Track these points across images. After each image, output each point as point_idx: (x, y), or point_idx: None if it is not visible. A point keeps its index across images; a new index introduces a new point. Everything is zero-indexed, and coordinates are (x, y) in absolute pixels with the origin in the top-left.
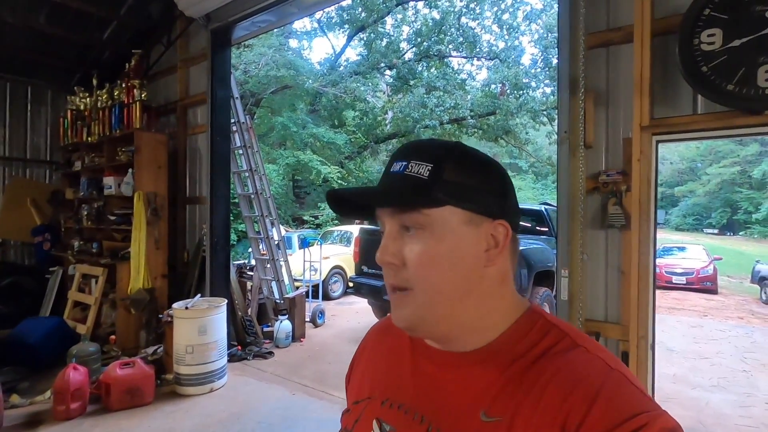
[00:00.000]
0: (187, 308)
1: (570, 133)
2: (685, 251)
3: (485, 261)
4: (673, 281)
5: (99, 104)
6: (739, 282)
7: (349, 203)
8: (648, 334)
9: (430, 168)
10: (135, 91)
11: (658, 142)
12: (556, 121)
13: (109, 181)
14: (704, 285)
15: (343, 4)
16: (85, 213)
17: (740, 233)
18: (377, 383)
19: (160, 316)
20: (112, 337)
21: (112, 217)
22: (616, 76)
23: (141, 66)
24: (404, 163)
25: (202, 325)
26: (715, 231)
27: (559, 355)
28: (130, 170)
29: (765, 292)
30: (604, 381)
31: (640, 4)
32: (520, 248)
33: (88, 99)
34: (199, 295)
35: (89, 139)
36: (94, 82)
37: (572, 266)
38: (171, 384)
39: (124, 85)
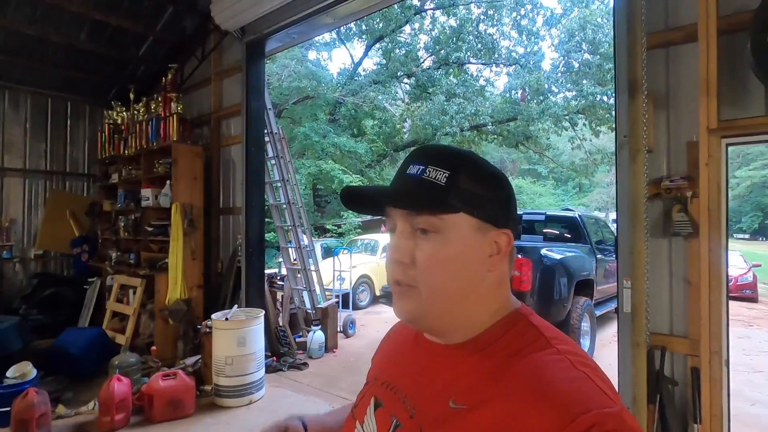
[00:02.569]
0: (227, 319)
1: (630, 137)
2: None
3: (488, 266)
4: None
5: (136, 118)
6: None
7: (362, 200)
8: (722, 350)
9: (447, 175)
10: (172, 104)
11: (728, 145)
12: (579, 125)
13: (146, 192)
14: (744, 293)
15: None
16: (122, 224)
17: None
18: (385, 367)
19: (198, 326)
20: (153, 348)
21: (149, 228)
22: (676, 78)
23: (176, 80)
24: (422, 167)
25: (241, 336)
26: (746, 236)
27: (530, 355)
28: (168, 182)
29: None
30: (565, 381)
31: (705, 2)
32: (560, 256)
33: (125, 113)
34: (236, 306)
35: (126, 152)
36: (131, 96)
37: (636, 276)
38: (210, 396)
39: (160, 99)
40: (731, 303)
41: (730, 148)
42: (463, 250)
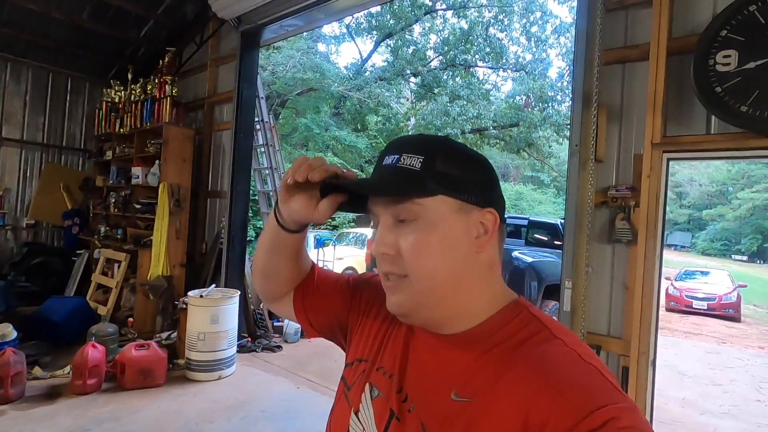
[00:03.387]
0: (201, 296)
1: (581, 147)
2: (708, 276)
3: (476, 247)
4: (694, 306)
5: (132, 97)
6: (767, 312)
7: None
8: (649, 351)
9: (421, 160)
10: (167, 86)
11: (669, 159)
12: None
13: (137, 171)
14: (726, 312)
15: (372, 10)
16: (113, 200)
17: None
18: (379, 349)
19: (176, 302)
20: (130, 319)
21: (138, 206)
22: (630, 93)
23: (173, 63)
24: (396, 156)
25: (214, 313)
26: (744, 258)
27: (536, 346)
28: (157, 162)
29: None
30: (576, 373)
31: (658, 22)
32: (530, 260)
33: (122, 92)
34: (214, 285)
35: (121, 130)
36: (129, 76)
37: (576, 278)
38: (182, 369)
39: (156, 81)
40: (711, 320)
41: (673, 164)
42: (447, 232)
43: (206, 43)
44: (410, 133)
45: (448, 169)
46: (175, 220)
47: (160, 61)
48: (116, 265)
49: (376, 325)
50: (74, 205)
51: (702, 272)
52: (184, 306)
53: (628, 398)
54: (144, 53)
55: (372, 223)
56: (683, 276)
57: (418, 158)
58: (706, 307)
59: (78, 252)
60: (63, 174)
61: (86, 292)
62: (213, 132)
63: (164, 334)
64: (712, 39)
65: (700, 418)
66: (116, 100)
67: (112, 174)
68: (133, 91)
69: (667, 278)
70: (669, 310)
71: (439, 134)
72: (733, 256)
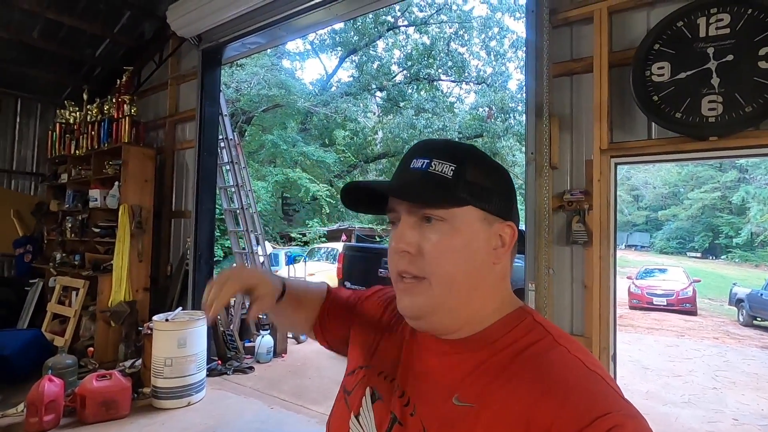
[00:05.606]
0: (167, 320)
1: (536, 155)
2: (666, 273)
3: (494, 258)
4: (654, 302)
5: (88, 118)
6: (719, 304)
7: (363, 195)
8: (609, 346)
9: (453, 168)
10: (125, 106)
11: (616, 164)
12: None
13: (95, 193)
14: (684, 306)
15: (336, 27)
16: (69, 225)
17: (722, 257)
18: (379, 354)
19: (140, 328)
20: (90, 349)
21: (96, 230)
22: (579, 103)
23: (132, 82)
24: (426, 161)
25: (182, 337)
26: (698, 254)
27: (539, 352)
28: (116, 183)
29: (742, 314)
30: (579, 381)
31: (599, 38)
32: None
33: (77, 113)
34: (180, 308)
35: (77, 152)
36: (85, 96)
37: (538, 280)
38: (148, 398)
39: (114, 101)
40: (671, 315)
41: (627, 169)
42: (471, 239)
43: (166, 61)
44: (435, 138)
45: (477, 179)
46: (137, 242)
47: (118, 81)
48: (74, 292)
49: (376, 333)
50: (26, 231)
51: (660, 270)
52: (149, 331)
53: (632, 406)
54: (100, 72)
55: (389, 220)
56: (643, 274)
57: (450, 166)
58: (665, 303)
59: (31, 281)
60: (13, 199)
61: (41, 324)
62: (175, 151)
63: (128, 363)
64: (647, 52)
65: (663, 409)
66: (71, 121)
67: (68, 197)
68: (89, 112)
69: (629, 277)
70: (632, 307)
71: (406, 145)
72: (687, 253)
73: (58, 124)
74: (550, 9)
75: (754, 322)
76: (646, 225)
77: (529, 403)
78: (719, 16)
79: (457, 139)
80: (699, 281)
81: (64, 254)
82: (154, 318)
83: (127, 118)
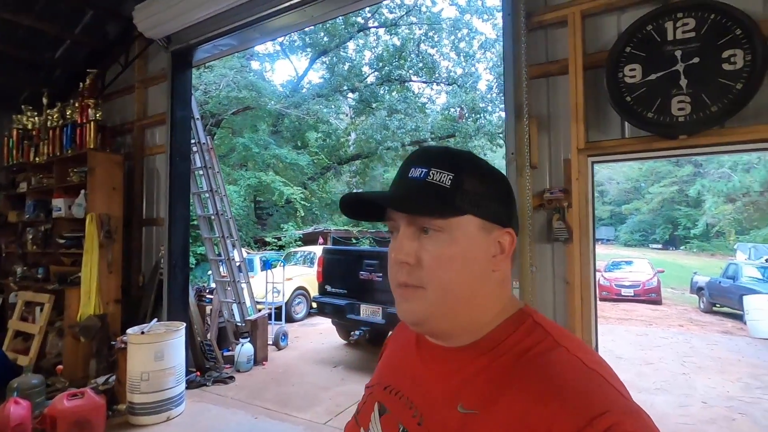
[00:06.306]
0: (143, 333)
1: (517, 155)
2: (632, 265)
3: (492, 266)
4: (622, 293)
5: (49, 123)
6: (681, 293)
7: (362, 206)
8: (591, 339)
9: (451, 177)
10: (89, 110)
11: (593, 162)
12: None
13: (58, 203)
14: (650, 296)
15: (306, 28)
16: (31, 237)
17: (681, 248)
18: (387, 371)
19: (113, 342)
20: (59, 367)
21: (61, 241)
22: (555, 104)
23: (96, 85)
24: (424, 170)
25: (159, 350)
26: (660, 246)
27: (540, 354)
28: (82, 191)
29: (702, 302)
30: (578, 380)
31: (573, 41)
32: None
33: (36, 118)
34: (155, 319)
35: (37, 159)
36: (45, 100)
37: (522, 278)
38: (124, 415)
39: (77, 105)
40: (638, 306)
41: (596, 166)
42: (469, 248)
43: (132, 63)
44: (433, 145)
45: (475, 187)
46: (106, 252)
47: (81, 84)
48: (38, 308)
49: (388, 354)
50: None
51: (626, 262)
52: (123, 345)
53: (631, 402)
54: (61, 75)
55: (388, 229)
56: (611, 267)
57: (447, 175)
58: (632, 294)
59: None
60: None
61: (2, 342)
62: (145, 156)
63: (101, 379)
64: (619, 54)
65: (638, 396)
66: (29, 126)
67: (29, 208)
68: (50, 117)
69: (598, 270)
70: (602, 299)
71: (379, 146)
72: (650, 245)
73: (15, 130)
74: (526, 12)
75: (714, 308)
76: (610, 219)
77: (529, 407)
78: (685, 21)
79: (432, 142)
80: (663, 272)
81: (25, 267)
82: (128, 331)
83: (92, 122)
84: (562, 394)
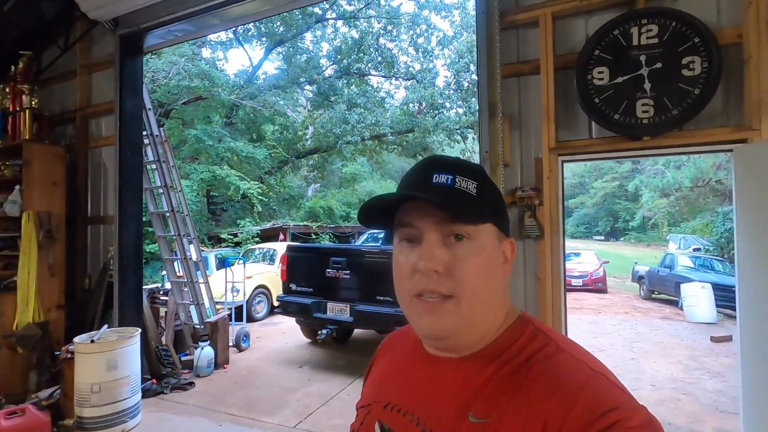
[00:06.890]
0: (93, 341)
1: (491, 153)
2: (580, 256)
3: (503, 273)
4: (572, 284)
5: None
6: (622, 282)
7: (383, 211)
8: (561, 332)
9: (476, 186)
10: (23, 97)
11: (563, 162)
12: (469, 139)
13: None
14: (597, 286)
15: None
16: None
17: (621, 239)
18: (384, 388)
19: (57, 353)
20: None
21: None
22: (527, 103)
23: (30, 69)
24: (450, 177)
25: (111, 359)
26: (602, 237)
27: (545, 359)
28: (17, 187)
29: (642, 289)
30: (585, 382)
31: (544, 42)
32: None
33: None
34: (106, 325)
35: None
36: None
37: None
38: (72, 430)
39: (8, 90)
40: (587, 295)
41: (569, 165)
42: (492, 256)
43: (73, 46)
44: (444, 155)
45: (492, 197)
46: (46, 254)
47: (12, 67)
48: None
49: (380, 371)
50: None
51: (575, 254)
52: (69, 355)
53: (638, 402)
54: None
55: (402, 236)
56: None
57: (473, 183)
58: (581, 284)
59: None
60: None
61: None
62: (90, 149)
63: (44, 393)
64: (588, 57)
65: None
66: None
67: None
68: None
69: None
70: None
71: (338, 140)
72: (594, 237)
73: None
74: (499, 11)
75: (653, 295)
76: None
77: (540, 409)
78: (649, 27)
79: (392, 137)
80: (608, 262)
81: None
82: (75, 339)
83: (26, 110)
84: (572, 395)
